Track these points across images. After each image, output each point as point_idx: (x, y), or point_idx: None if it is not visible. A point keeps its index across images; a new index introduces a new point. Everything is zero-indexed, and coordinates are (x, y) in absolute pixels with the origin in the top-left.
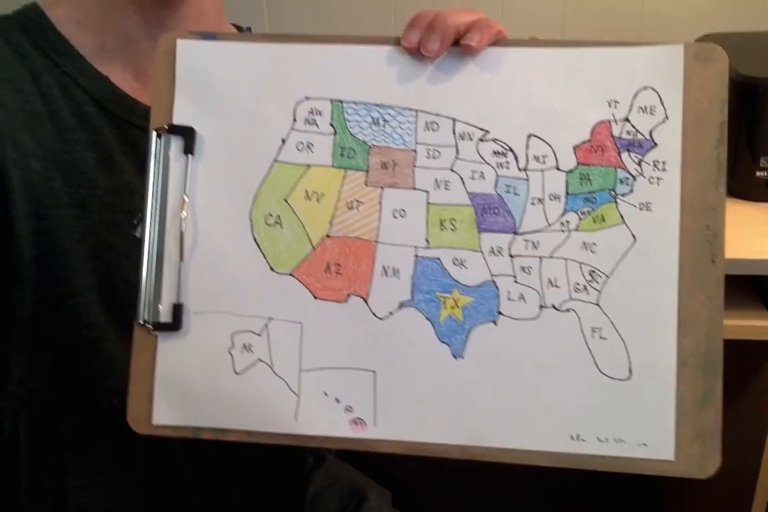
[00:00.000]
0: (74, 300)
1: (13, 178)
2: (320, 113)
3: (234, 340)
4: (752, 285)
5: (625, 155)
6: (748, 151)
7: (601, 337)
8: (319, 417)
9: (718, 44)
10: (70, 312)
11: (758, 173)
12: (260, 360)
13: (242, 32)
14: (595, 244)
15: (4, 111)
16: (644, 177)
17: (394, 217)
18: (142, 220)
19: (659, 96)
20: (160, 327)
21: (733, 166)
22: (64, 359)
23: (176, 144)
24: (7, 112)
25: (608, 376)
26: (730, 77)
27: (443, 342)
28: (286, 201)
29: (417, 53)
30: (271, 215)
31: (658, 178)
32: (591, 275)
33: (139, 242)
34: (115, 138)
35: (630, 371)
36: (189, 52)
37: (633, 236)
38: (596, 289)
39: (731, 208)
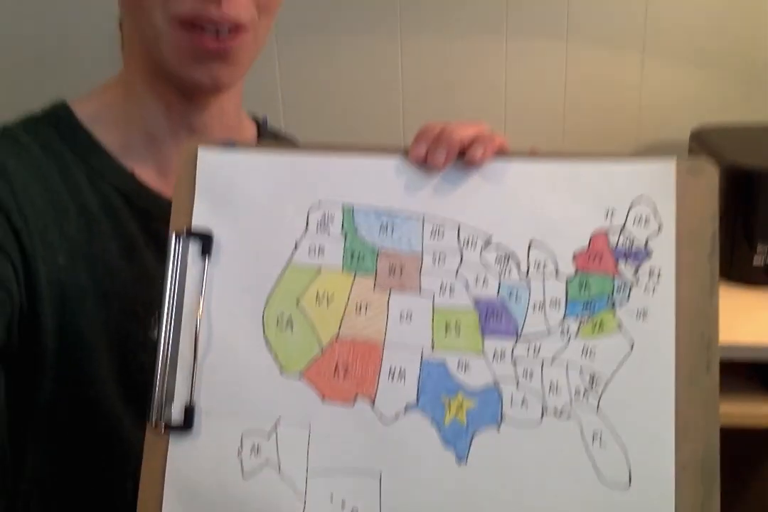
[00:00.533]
0: (93, 391)
1: (41, 274)
2: (332, 219)
3: (243, 442)
4: (753, 370)
5: (621, 263)
6: (745, 238)
7: (601, 444)
8: None
9: (713, 134)
10: (88, 402)
11: (755, 259)
12: (268, 463)
13: (259, 122)
14: (594, 350)
15: (34, 210)
16: (640, 285)
17: (401, 319)
18: (159, 321)
19: (653, 207)
20: (171, 428)
21: (731, 252)
22: (81, 446)
23: (194, 247)
24: (37, 211)
25: (608, 484)
26: (726, 167)
27: (448, 446)
28: (297, 303)
29: (423, 165)
30: (282, 317)
31: (653, 287)
32: (591, 381)
33: (155, 343)
34: (138, 229)
35: (630, 478)
36: (209, 161)
37: (631, 343)
38: (596, 395)
39: (730, 293)
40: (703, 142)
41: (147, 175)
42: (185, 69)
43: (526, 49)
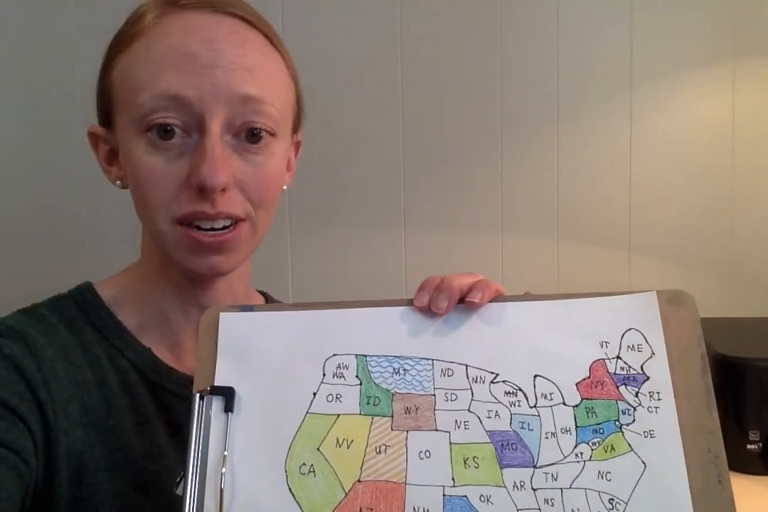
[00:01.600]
0: None
1: (60, 445)
2: (347, 367)
3: None
4: None
5: (623, 388)
6: (737, 425)
7: None
8: None
9: (703, 327)
10: None
11: (749, 446)
12: None
13: (266, 295)
14: (609, 472)
15: (58, 384)
16: (643, 407)
17: (420, 458)
18: (184, 478)
19: (643, 335)
20: None
21: (725, 440)
22: None
23: (217, 403)
24: (61, 385)
25: None
26: (712, 357)
27: None
28: (318, 450)
29: (428, 311)
30: (305, 464)
31: (656, 407)
32: (611, 503)
33: (178, 500)
34: (151, 403)
35: None
36: (230, 323)
37: (643, 462)
38: None
39: None
40: None
41: (160, 351)
42: (186, 261)
43: (520, 245)
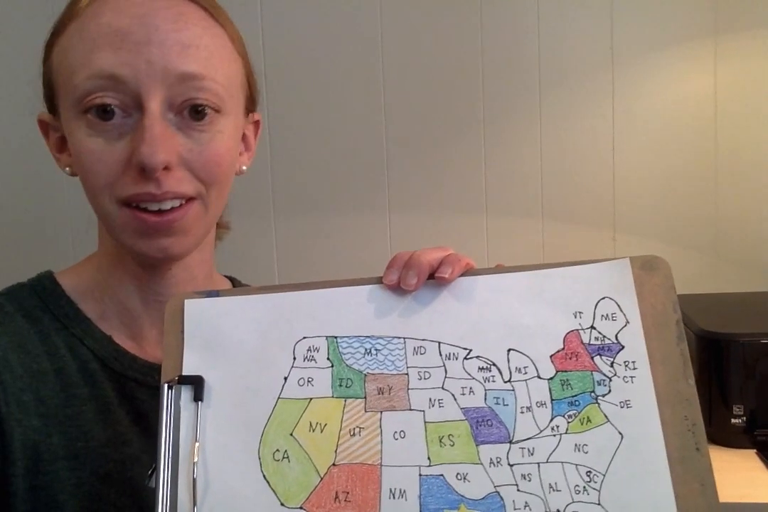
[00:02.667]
0: None
1: (14, 436)
2: (317, 349)
3: None
4: None
5: (597, 359)
6: (721, 400)
7: None
8: None
9: (683, 303)
10: None
11: (733, 421)
12: None
13: (234, 280)
14: (586, 445)
15: (11, 374)
16: (618, 377)
17: (395, 438)
18: (156, 470)
19: (617, 303)
20: None
21: (710, 415)
22: None
23: (186, 393)
24: (14, 375)
25: None
26: (697, 333)
27: None
28: (291, 435)
29: (398, 289)
30: (278, 450)
31: (631, 377)
32: (588, 475)
33: (150, 492)
34: (114, 391)
35: None
36: (196, 310)
37: (620, 433)
38: (595, 489)
39: (712, 455)
40: None
41: (122, 340)
42: (135, 244)
43: (505, 225)
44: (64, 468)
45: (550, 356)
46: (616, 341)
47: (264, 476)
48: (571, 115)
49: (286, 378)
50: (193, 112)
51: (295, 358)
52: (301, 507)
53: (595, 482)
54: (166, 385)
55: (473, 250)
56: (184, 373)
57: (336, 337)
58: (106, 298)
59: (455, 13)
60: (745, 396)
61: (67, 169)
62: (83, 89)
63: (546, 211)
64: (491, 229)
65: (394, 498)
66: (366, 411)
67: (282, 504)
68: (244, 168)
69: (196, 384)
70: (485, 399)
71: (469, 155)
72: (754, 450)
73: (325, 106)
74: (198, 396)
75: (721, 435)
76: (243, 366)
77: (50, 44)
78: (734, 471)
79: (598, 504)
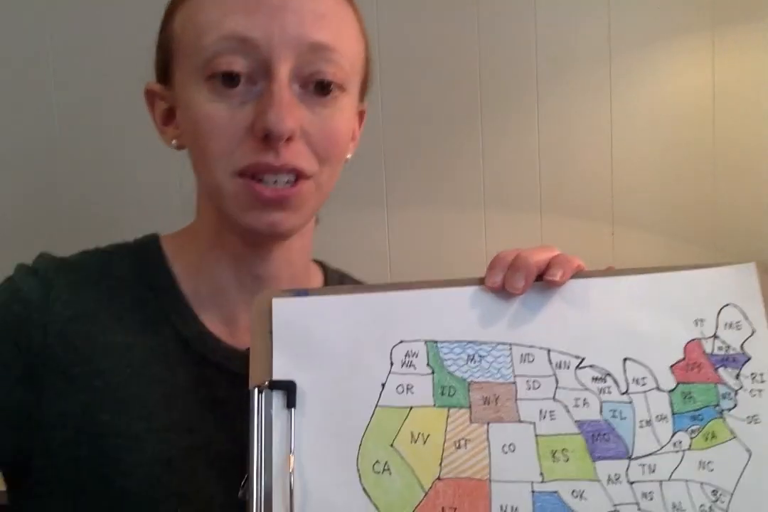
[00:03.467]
0: None
1: (51, 405)
2: (416, 355)
3: None
4: None
5: (722, 370)
6: None
7: None
8: None
9: None
10: None
11: None
12: None
13: (327, 270)
14: (711, 462)
15: (65, 347)
16: (745, 390)
17: (504, 452)
18: (248, 480)
19: (742, 311)
20: None
21: None
22: None
23: (277, 399)
24: (69, 348)
25: None
26: None
27: None
28: (392, 446)
29: (502, 292)
30: (378, 462)
31: (759, 390)
32: (714, 495)
33: (241, 503)
34: (190, 375)
35: None
36: (284, 310)
37: (747, 450)
38: (722, 509)
39: None
40: None
41: (212, 323)
42: (245, 216)
43: (503, 220)
44: (120, 447)
45: (671, 366)
46: (741, 351)
47: (364, 489)
48: (569, 109)
49: (383, 385)
50: (319, 87)
51: (392, 363)
52: None
53: (723, 501)
54: (255, 390)
55: (472, 244)
56: (274, 378)
57: (436, 342)
58: (202, 276)
59: (453, 7)
60: None
61: (174, 141)
62: (213, 50)
63: (544, 206)
64: (489, 223)
65: None
66: (471, 423)
67: None
68: (349, 156)
69: (289, 390)
70: (601, 411)
71: (467, 149)
72: None
73: None
74: (291, 403)
75: None
76: (336, 370)
77: (172, 10)
78: None
79: None
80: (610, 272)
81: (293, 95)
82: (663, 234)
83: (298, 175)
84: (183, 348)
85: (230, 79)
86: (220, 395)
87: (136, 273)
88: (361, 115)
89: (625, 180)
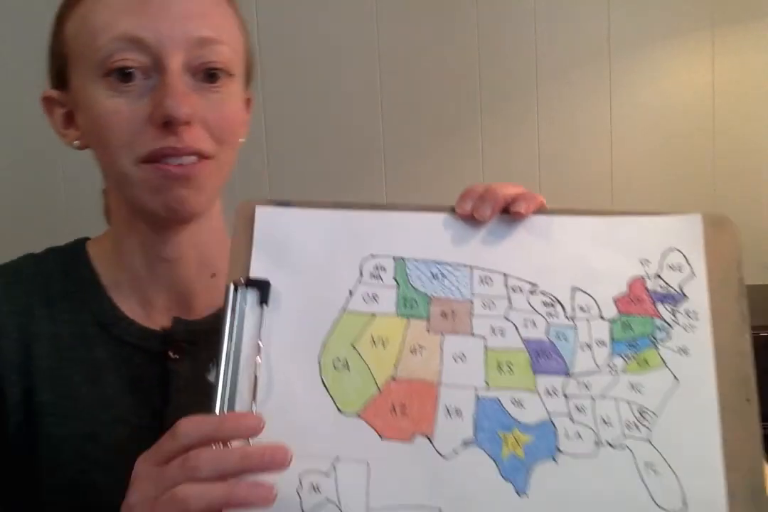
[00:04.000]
0: (48, 505)
1: (8, 396)
2: (384, 269)
3: (302, 480)
4: None
5: (660, 306)
6: None
7: (654, 472)
8: None
9: None
10: None
11: None
12: (328, 500)
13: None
14: (641, 385)
15: (7, 339)
16: (679, 325)
17: (455, 360)
18: (217, 365)
19: (684, 256)
20: None
21: None
22: None
23: (252, 296)
24: (10, 339)
25: (664, 509)
26: None
27: (507, 479)
28: (353, 346)
29: (470, 219)
30: (338, 359)
31: (692, 326)
32: (641, 414)
33: (211, 389)
34: (107, 355)
35: (684, 503)
36: (267, 217)
37: (675, 378)
38: (647, 427)
39: None
40: None
41: (129, 308)
42: (154, 199)
43: None
44: (51, 425)
45: (614, 298)
46: (680, 291)
47: (323, 381)
48: (569, 108)
49: (351, 292)
50: (208, 76)
51: (362, 274)
52: (357, 415)
53: (647, 421)
54: (231, 286)
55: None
56: (251, 276)
57: (404, 259)
58: (120, 266)
59: (453, 7)
60: None
61: (76, 142)
62: (107, 50)
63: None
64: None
65: (449, 415)
66: (428, 332)
67: (339, 411)
68: (242, 140)
69: (263, 288)
70: (547, 332)
71: (466, 147)
72: None
73: (323, 98)
74: (264, 300)
75: None
76: (310, 275)
77: (63, 16)
78: None
79: (648, 441)
80: (571, 211)
81: (186, 85)
82: None
83: (200, 156)
84: (102, 332)
85: (126, 74)
86: (138, 373)
87: (62, 271)
88: (247, 102)
89: (624, 178)
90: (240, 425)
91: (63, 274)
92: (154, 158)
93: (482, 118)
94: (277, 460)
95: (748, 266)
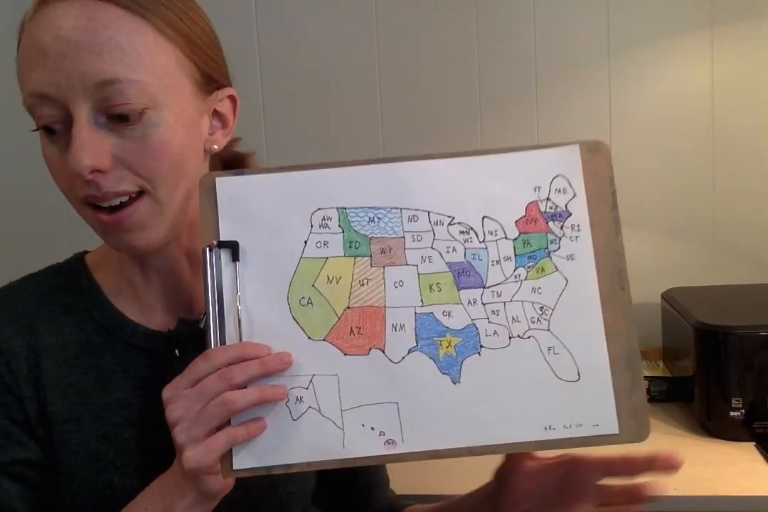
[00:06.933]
0: (68, 508)
1: (29, 410)
2: (330, 219)
3: (288, 395)
4: None
5: (551, 223)
6: (720, 393)
7: (555, 353)
8: (361, 443)
9: (681, 296)
10: None
11: (732, 413)
12: (310, 407)
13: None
14: (540, 288)
15: (16, 360)
16: (566, 237)
17: (395, 287)
18: (206, 314)
19: (567, 180)
20: None
21: (708, 408)
22: None
23: (225, 255)
24: (19, 358)
25: (564, 380)
26: (694, 325)
27: (444, 373)
28: (313, 286)
29: (396, 171)
30: (303, 298)
31: (576, 237)
32: (541, 310)
33: (203, 333)
34: (115, 359)
35: (578, 374)
36: (227, 186)
37: (565, 279)
38: (546, 319)
39: (712, 448)
40: (673, 302)
41: (132, 312)
42: (106, 240)
43: None
44: (67, 431)
45: (515, 221)
46: (565, 210)
47: (293, 317)
48: (568, 107)
49: (305, 242)
50: (118, 116)
51: (312, 226)
52: (324, 340)
53: (546, 314)
54: (207, 249)
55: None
56: (221, 239)
57: (345, 208)
58: (119, 274)
59: (453, 8)
60: (744, 389)
61: None
62: (28, 106)
63: None
64: None
65: (395, 330)
66: (372, 267)
67: (309, 338)
68: (216, 147)
69: (233, 248)
70: (465, 255)
71: (466, 147)
72: (753, 443)
73: (323, 98)
74: (236, 257)
75: (719, 428)
76: (269, 232)
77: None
78: (733, 463)
79: (548, 330)
80: (472, 152)
81: (97, 130)
82: (663, 232)
83: (128, 195)
84: (108, 338)
85: (48, 129)
86: (146, 374)
87: (62, 286)
88: (231, 100)
89: (624, 179)
90: (255, 347)
91: (63, 289)
92: (88, 204)
93: (482, 118)
94: (285, 361)
95: (747, 264)
